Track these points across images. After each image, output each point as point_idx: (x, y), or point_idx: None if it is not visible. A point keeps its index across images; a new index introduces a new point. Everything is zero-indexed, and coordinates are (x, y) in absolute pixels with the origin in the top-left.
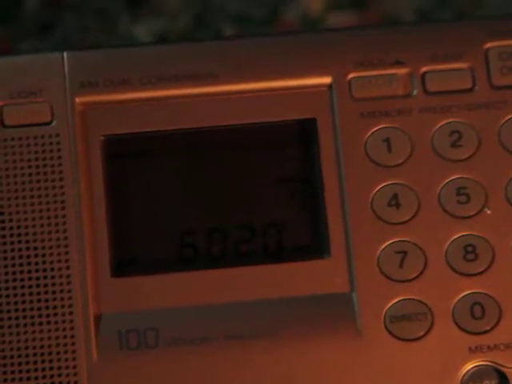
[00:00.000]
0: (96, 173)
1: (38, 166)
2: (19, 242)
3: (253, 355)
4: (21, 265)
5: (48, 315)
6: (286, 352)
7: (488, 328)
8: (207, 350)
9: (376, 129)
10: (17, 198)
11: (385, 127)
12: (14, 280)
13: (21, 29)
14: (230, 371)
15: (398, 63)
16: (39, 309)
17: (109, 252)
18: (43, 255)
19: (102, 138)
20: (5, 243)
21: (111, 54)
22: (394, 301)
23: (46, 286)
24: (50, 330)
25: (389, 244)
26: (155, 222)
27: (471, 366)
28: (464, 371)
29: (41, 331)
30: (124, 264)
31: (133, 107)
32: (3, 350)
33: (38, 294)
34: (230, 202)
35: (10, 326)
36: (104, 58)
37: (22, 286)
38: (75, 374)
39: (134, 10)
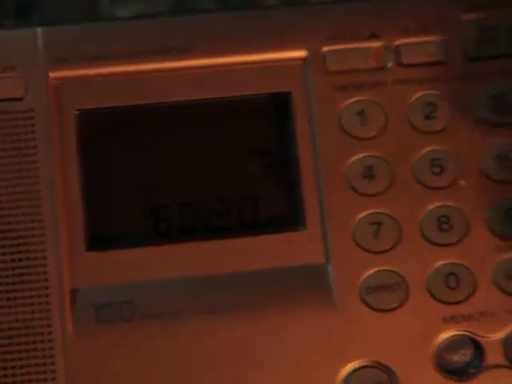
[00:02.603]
0: (70, 147)
1: (11, 141)
2: None
3: (228, 327)
4: None
5: (23, 290)
6: (262, 324)
7: (463, 298)
8: (182, 323)
9: (350, 101)
10: None
11: (359, 100)
12: None
13: None
14: (205, 344)
15: (373, 36)
16: (14, 283)
17: (83, 227)
18: (17, 230)
19: (75, 112)
20: None
21: (85, 29)
22: (369, 272)
23: (20, 260)
24: (25, 305)
25: (364, 216)
26: (129, 196)
27: (446, 335)
28: (439, 341)
29: (16, 306)
30: (99, 238)
31: (107, 82)
32: None
33: (13, 268)
34: (204, 175)
35: None
36: (78, 33)
37: None
38: (51, 348)
39: None
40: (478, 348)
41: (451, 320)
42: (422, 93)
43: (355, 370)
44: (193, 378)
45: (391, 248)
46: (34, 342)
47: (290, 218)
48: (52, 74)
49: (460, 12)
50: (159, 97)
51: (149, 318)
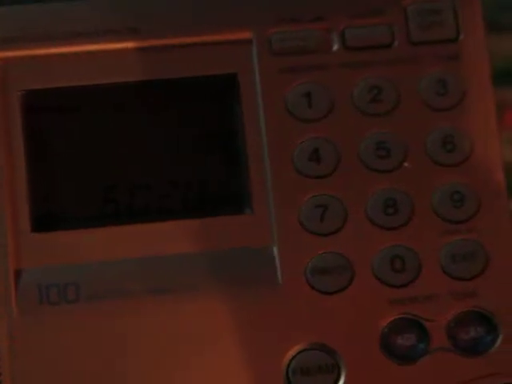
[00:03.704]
0: (15, 127)
1: None
2: None
3: (174, 308)
4: None
5: None
6: (208, 305)
7: (408, 281)
8: (129, 305)
9: (296, 84)
10: None
11: (305, 82)
12: None
13: None
14: (152, 325)
15: (318, 19)
16: None
17: (28, 207)
18: None
19: (21, 92)
20: None
21: (31, 10)
22: (315, 254)
23: None
24: None
25: (310, 198)
26: (76, 176)
27: (391, 318)
28: (384, 323)
29: None
30: (44, 219)
31: (53, 62)
32: None
33: None
34: (151, 157)
35: None
36: (24, 14)
37: None
38: None
39: None
40: (423, 331)
41: (396, 303)
42: (367, 76)
43: (300, 353)
44: (137, 359)
45: (337, 231)
46: None
47: (236, 200)
48: None
49: None
50: (105, 77)
51: (94, 300)
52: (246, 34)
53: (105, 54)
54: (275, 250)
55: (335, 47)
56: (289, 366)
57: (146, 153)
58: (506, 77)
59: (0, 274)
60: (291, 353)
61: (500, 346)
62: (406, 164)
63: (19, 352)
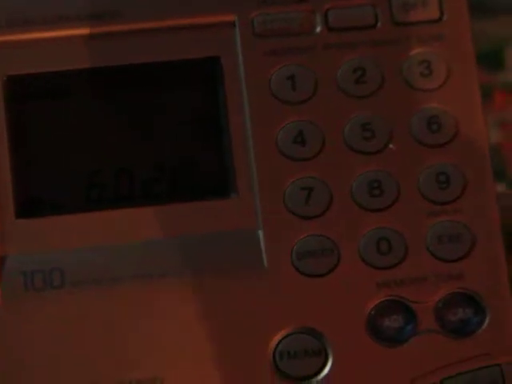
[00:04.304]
0: None
1: None
2: None
3: (161, 293)
4: None
5: None
6: (194, 290)
7: (394, 263)
8: (114, 290)
9: (280, 66)
10: None
11: (289, 64)
12: None
13: None
14: (138, 310)
15: (302, 0)
16: None
17: (12, 193)
18: None
19: (3, 78)
20: None
21: None
22: (301, 237)
23: None
24: None
25: (294, 181)
26: (60, 162)
27: (378, 300)
28: (371, 306)
29: None
30: (28, 205)
31: (35, 47)
32: None
33: None
34: (136, 141)
35: None
36: None
37: None
38: None
39: None
40: (410, 313)
41: (383, 285)
42: (351, 57)
43: (287, 336)
44: (124, 344)
45: (322, 213)
46: None
47: (221, 184)
48: None
49: None
50: (89, 62)
51: (79, 285)
52: (228, 17)
53: (87, 39)
54: (260, 234)
55: (318, 28)
56: (275, 349)
57: (130, 138)
58: (494, 60)
59: None
60: (278, 337)
61: (487, 327)
62: (391, 146)
63: (5, 338)
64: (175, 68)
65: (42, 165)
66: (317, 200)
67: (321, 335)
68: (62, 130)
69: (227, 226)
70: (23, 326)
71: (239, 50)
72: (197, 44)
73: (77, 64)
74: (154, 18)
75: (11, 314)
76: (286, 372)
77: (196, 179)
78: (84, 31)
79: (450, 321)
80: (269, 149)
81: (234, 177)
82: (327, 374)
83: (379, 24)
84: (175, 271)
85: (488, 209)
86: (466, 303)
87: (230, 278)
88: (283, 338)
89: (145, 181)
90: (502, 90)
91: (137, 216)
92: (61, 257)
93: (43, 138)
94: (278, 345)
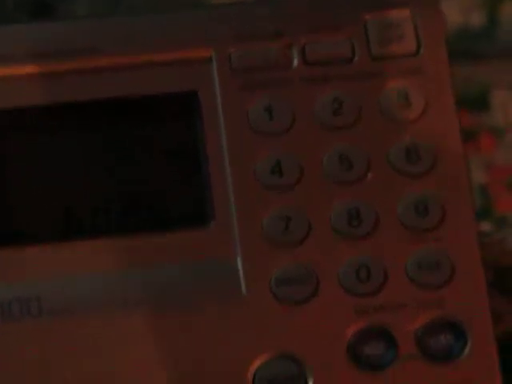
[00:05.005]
0: None
1: None
2: None
3: (137, 323)
4: None
5: None
6: (171, 319)
7: (374, 290)
8: (91, 319)
9: (257, 99)
10: None
11: (266, 98)
12: None
13: None
14: (114, 339)
15: (278, 35)
16: None
17: None
18: None
19: None
20: None
21: None
22: (279, 265)
23: None
24: None
25: (273, 210)
26: (36, 195)
27: (358, 327)
28: (351, 332)
29: None
30: (6, 235)
31: (12, 82)
32: None
33: None
34: (113, 174)
35: None
36: None
37: None
38: None
39: None
40: (391, 339)
41: (363, 312)
42: (328, 90)
43: (266, 362)
44: (103, 372)
45: (301, 242)
46: None
47: (200, 215)
48: None
49: (364, 11)
50: (66, 97)
51: (57, 315)
52: (206, 52)
53: (64, 74)
54: (239, 262)
55: (295, 63)
56: (255, 376)
57: (108, 171)
58: (481, 103)
59: None
60: (257, 363)
61: (469, 353)
62: (369, 175)
63: None
64: (153, 102)
65: (19, 197)
66: (295, 229)
67: (301, 362)
68: (36, 164)
69: (205, 256)
70: (3, 355)
71: (217, 84)
72: (175, 78)
73: (52, 99)
74: (132, 53)
75: None
76: None
77: (174, 210)
78: (60, 67)
79: (432, 347)
80: (247, 179)
81: (212, 207)
82: None
83: (356, 58)
84: (154, 300)
85: (467, 236)
86: (446, 329)
87: (208, 306)
88: (262, 364)
89: (122, 212)
90: (488, 133)
91: (113, 246)
92: (38, 286)
93: (18, 171)
94: (257, 371)
